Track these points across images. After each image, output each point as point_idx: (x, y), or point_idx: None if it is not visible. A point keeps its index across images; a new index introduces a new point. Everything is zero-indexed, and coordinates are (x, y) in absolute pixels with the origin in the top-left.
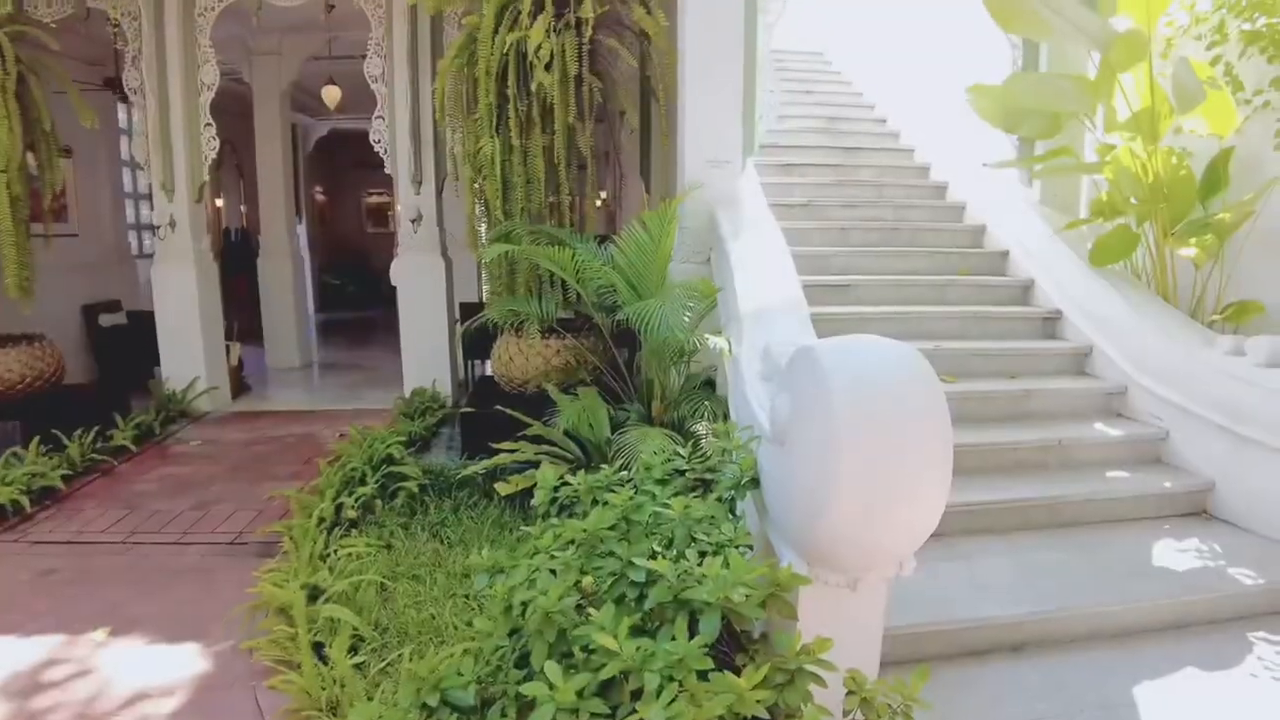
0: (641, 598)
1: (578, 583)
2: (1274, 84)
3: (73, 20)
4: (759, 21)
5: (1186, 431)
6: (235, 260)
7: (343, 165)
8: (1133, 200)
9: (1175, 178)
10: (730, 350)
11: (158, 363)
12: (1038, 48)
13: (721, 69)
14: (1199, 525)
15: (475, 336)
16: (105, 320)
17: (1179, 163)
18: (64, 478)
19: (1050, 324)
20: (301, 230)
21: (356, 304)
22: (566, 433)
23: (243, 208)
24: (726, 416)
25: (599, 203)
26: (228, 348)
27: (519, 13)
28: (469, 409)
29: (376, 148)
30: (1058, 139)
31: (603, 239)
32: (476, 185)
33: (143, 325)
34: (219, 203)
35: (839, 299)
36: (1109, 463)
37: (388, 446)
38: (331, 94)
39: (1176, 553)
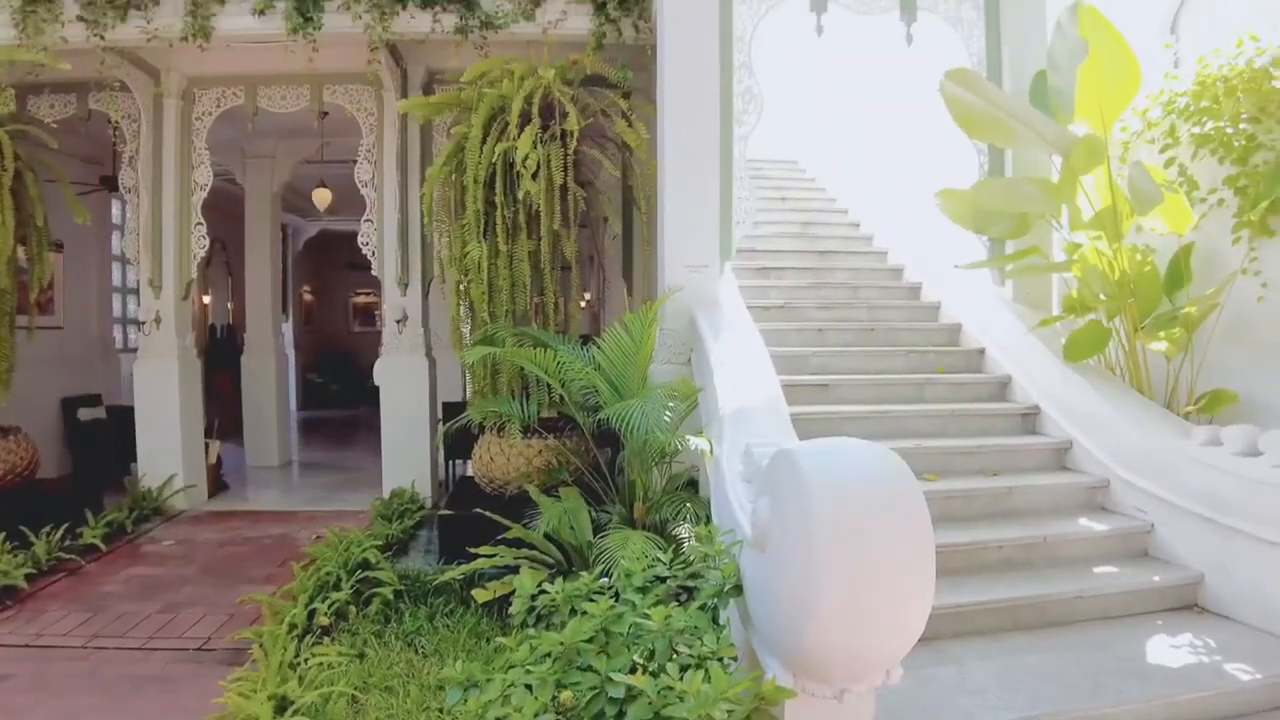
0: (621, 714)
1: (555, 698)
2: (1227, 182)
3: (74, 120)
4: (734, 133)
5: (1171, 524)
6: (220, 357)
7: (331, 265)
8: (1102, 296)
9: (1141, 274)
10: (712, 451)
11: (135, 459)
12: (1003, 153)
13: (698, 179)
14: (1191, 620)
15: (457, 436)
16: (84, 414)
17: (1143, 259)
18: (28, 576)
19: (1029, 420)
20: (287, 328)
21: (340, 402)
22: (547, 535)
23: (230, 304)
24: (709, 519)
25: (583, 304)
26: (206, 445)
27: (507, 124)
28: (448, 511)
29: (364, 250)
30: (1026, 239)
31: (586, 339)
32: (462, 287)
33: (122, 420)
34: (206, 299)
35: (819, 398)
36: (1096, 558)
37: (364, 550)
38: (322, 197)
39: (1170, 649)
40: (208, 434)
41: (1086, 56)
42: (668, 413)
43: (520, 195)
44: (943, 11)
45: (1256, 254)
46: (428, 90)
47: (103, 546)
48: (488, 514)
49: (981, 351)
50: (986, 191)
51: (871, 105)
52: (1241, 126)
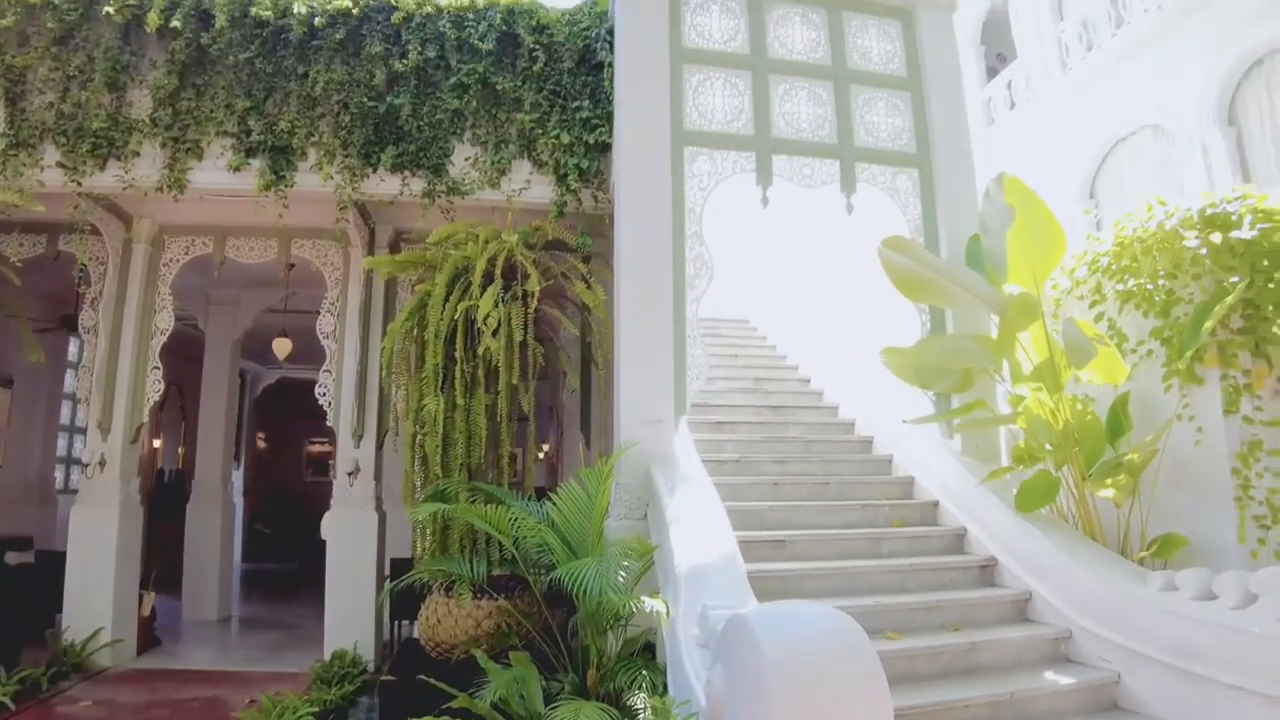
0: None
1: None
2: (1153, 334)
3: (42, 259)
4: (686, 296)
5: (1138, 673)
6: (165, 503)
7: (288, 413)
8: (1048, 446)
9: (1083, 423)
10: (668, 613)
11: (60, 609)
12: (944, 310)
13: (653, 338)
14: None
15: (404, 595)
16: (11, 558)
17: (1084, 409)
18: None
19: (987, 572)
20: (238, 476)
21: (288, 555)
22: (495, 705)
23: (181, 449)
24: (666, 688)
25: (541, 456)
26: (141, 596)
27: (470, 283)
28: (390, 677)
29: (321, 400)
30: (971, 393)
31: (542, 493)
32: (418, 440)
33: (52, 567)
34: (157, 443)
35: (775, 554)
36: (1065, 713)
37: (299, 717)
38: (282, 346)
39: None
40: (144, 584)
41: (1014, 222)
42: (622, 572)
43: (480, 351)
44: (880, 184)
45: (1188, 400)
46: (394, 248)
47: (11, 706)
48: (432, 681)
49: (936, 504)
50: (929, 349)
51: (819, 265)
52: (1160, 282)
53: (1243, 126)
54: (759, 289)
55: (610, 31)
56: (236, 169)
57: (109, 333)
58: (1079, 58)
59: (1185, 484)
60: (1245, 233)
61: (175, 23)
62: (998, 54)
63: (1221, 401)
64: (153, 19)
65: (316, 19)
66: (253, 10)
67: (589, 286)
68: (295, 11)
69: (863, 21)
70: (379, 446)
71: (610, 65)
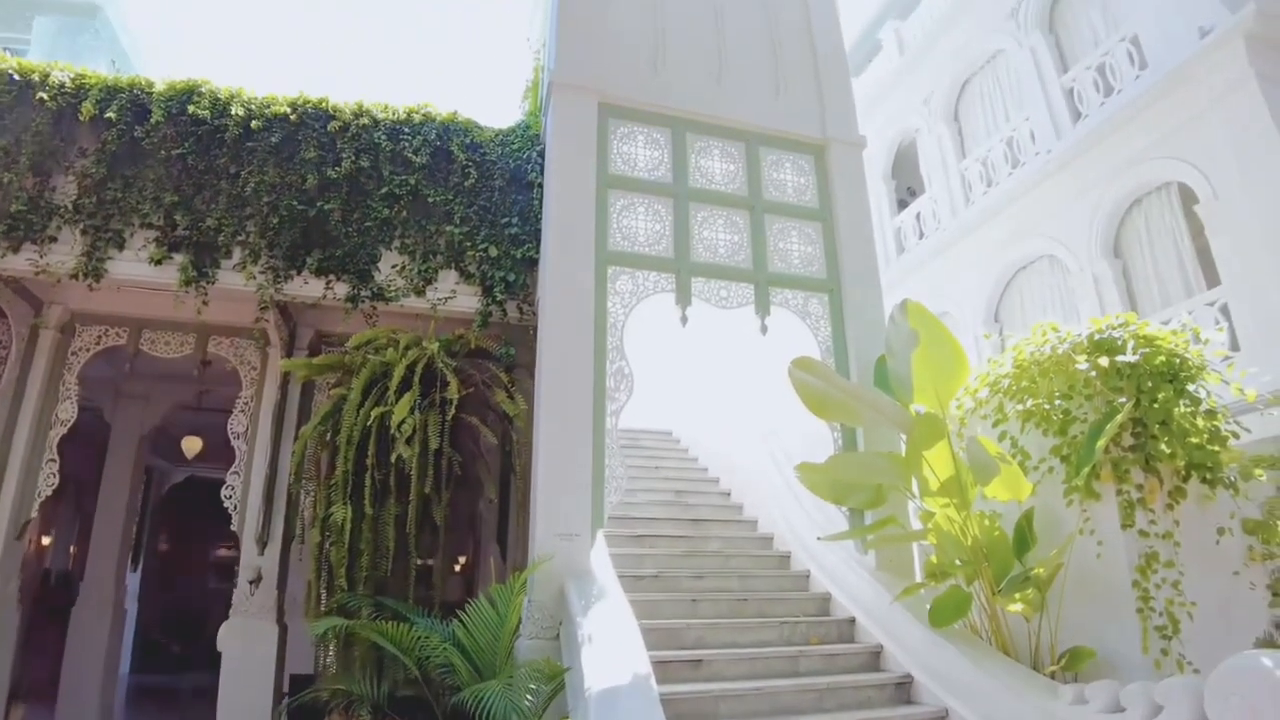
0: None
1: None
2: (1052, 452)
3: None
4: (606, 409)
5: None
6: (49, 606)
7: (195, 514)
8: (958, 562)
9: (991, 539)
10: None
11: None
12: (855, 430)
13: (572, 450)
14: None
15: (303, 715)
16: None
17: (991, 525)
18: None
19: (904, 689)
20: (134, 579)
21: (182, 666)
22: None
23: (73, 548)
24: None
25: (456, 568)
26: (7, 708)
27: (387, 389)
28: None
29: (227, 503)
30: (883, 509)
31: (455, 608)
32: (324, 550)
33: None
34: (46, 540)
35: (692, 675)
36: None
37: None
38: (192, 445)
39: None
40: (12, 695)
41: (918, 345)
42: (530, 696)
43: (393, 459)
44: (793, 307)
45: (1088, 515)
46: (314, 350)
47: None
48: None
49: (852, 621)
50: (841, 466)
51: (740, 380)
52: (1057, 403)
53: (1127, 259)
54: (683, 402)
55: (541, 154)
56: (158, 262)
57: (3, 420)
58: (980, 193)
59: (1090, 597)
60: (1129, 357)
61: (110, 114)
62: (908, 188)
63: (1118, 516)
64: (87, 108)
65: (253, 121)
66: (190, 108)
67: (510, 396)
68: (233, 113)
69: (778, 156)
70: (284, 554)
71: (540, 185)
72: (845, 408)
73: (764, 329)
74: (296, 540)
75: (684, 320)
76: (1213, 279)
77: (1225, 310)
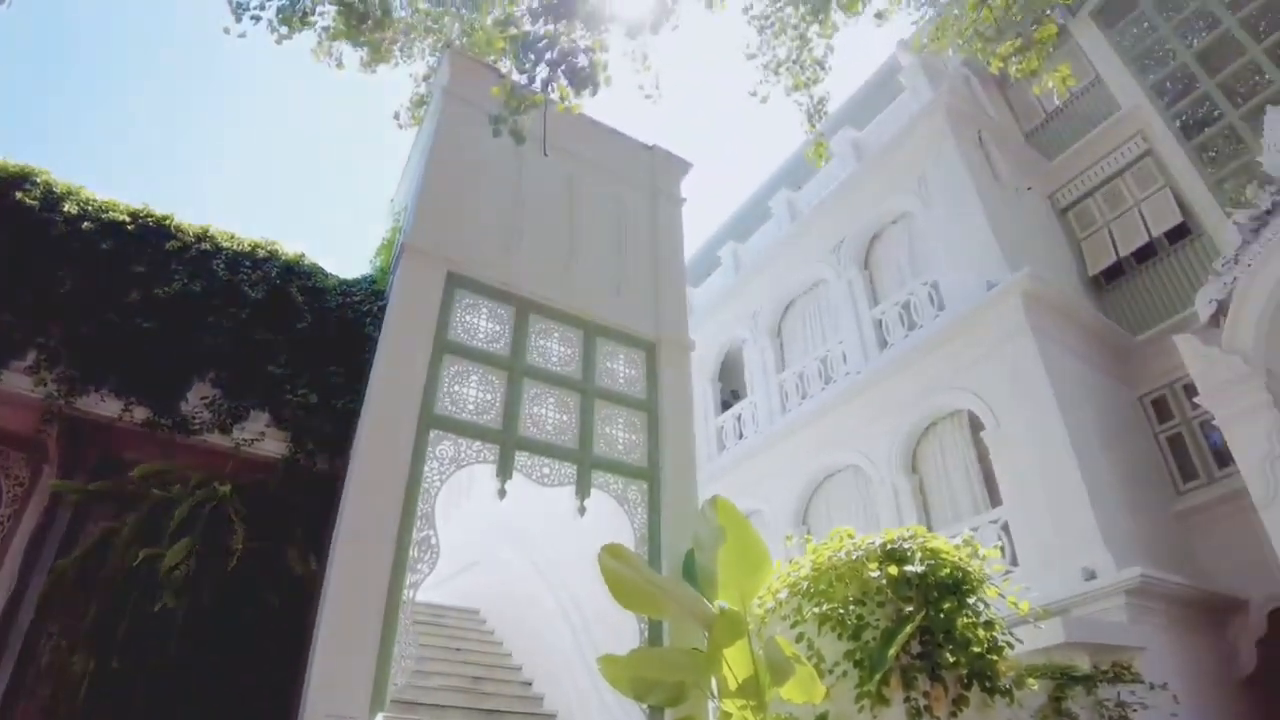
0: None
1: None
2: (846, 656)
3: None
4: (405, 579)
5: None
6: None
7: None
8: None
9: None
10: None
11: None
12: (660, 622)
13: (360, 622)
14: None
15: None
16: None
17: None
18: None
19: None
20: None
21: None
22: None
23: None
24: None
25: None
26: None
27: (164, 530)
28: None
29: None
30: (683, 708)
31: None
32: (60, 706)
33: None
34: None
35: None
36: None
37: None
38: None
39: None
40: None
41: (725, 542)
42: None
43: (157, 609)
44: (613, 491)
45: None
46: (95, 474)
47: None
48: None
49: None
50: (643, 661)
51: (553, 562)
52: (851, 607)
53: (924, 475)
54: (494, 579)
55: (382, 310)
56: None
57: None
58: (796, 403)
59: None
60: (917, 567)
61: None
62: (732, 390)
63: None
64: None
65: (85, 223)
66: (18, 194)
67: (304, 555)
68: (64, 209)
69: (614, 347)
70: (6, 709)
71: (375, 340)
72: (653, 600)
73: (582, 510)
74: (27, 695)
75: (502, 493)
76: (997, 499)
77: (1006, 528)
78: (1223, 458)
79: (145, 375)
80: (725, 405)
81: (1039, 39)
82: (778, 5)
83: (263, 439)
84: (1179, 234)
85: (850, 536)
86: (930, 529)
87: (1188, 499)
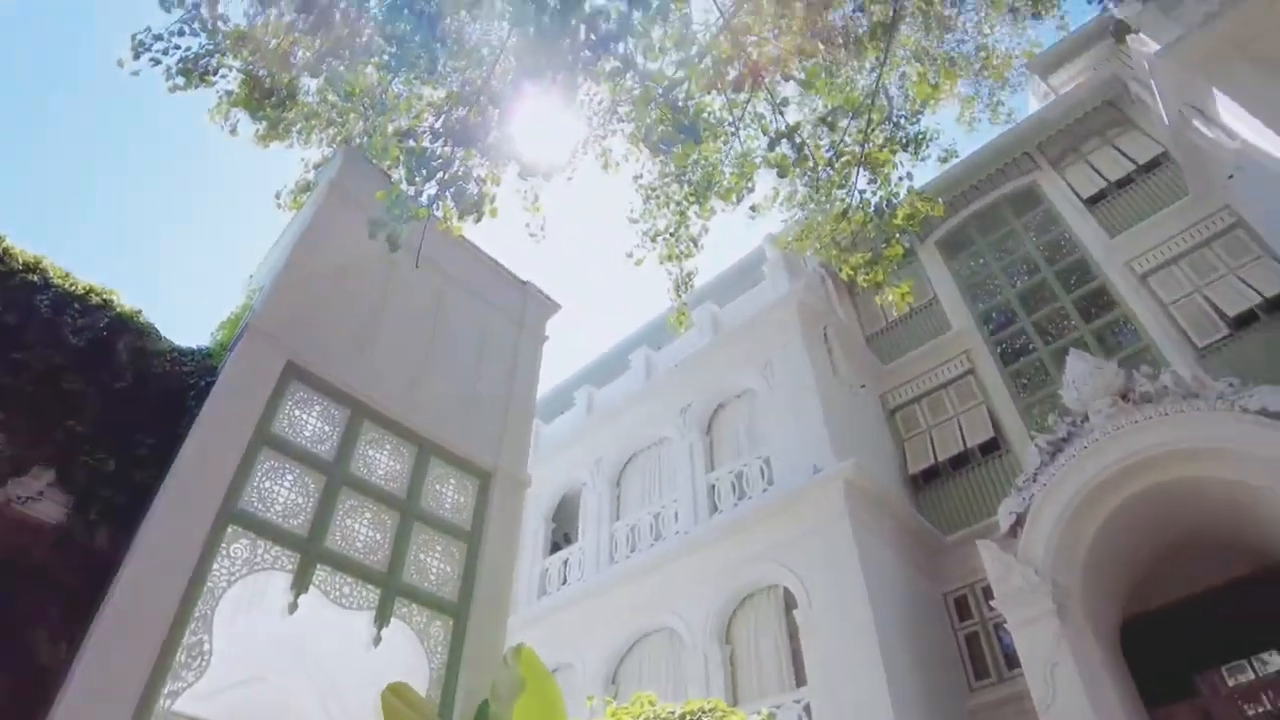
0: None
1: None
2: None
3: None
4: (165, 685)
5: None
6: None
7: None
8: None
9: None
10: None
11: None
12: None
13: None
14: None
15: None
16: None
17: None
18: None
19: None
20: None
21: None
22: None
23: None
24: None
25: None
26: None
27: None
28: None
29: None
30: None
31: None
32: None
33: None
34: None
35: None
36: None
37: None
38: None
39: None
40: None
41: (523, 695)
42: None
43: None
44: (415, 624)
45: None
46: None
47: None
48: None
49: None
50: None
51: (340, 689)
52: None
53: (736, 646)
54: (271, 699)
55: (210, 386)
56: None
57: None
58: (625, 555)
59: None
60: None
61: None
62: (564, 533)
63: None
64: None
65: None
66: None
67: (51, 639)
68: None
69: (447, 470)
70: None
71: (195, 416)
72: None
73: (378, 640)
74: None
75: (293, 607)
76: (803, 679)
77: (808, 710)
78: (1012, 660)
79: None
80: (556, 547)
81: (887, 256)
82: (665, 180)
83: (39, 499)
84: (990, 447)
85: (652, 704)
86: (735, 703)
87: (979, 696)
